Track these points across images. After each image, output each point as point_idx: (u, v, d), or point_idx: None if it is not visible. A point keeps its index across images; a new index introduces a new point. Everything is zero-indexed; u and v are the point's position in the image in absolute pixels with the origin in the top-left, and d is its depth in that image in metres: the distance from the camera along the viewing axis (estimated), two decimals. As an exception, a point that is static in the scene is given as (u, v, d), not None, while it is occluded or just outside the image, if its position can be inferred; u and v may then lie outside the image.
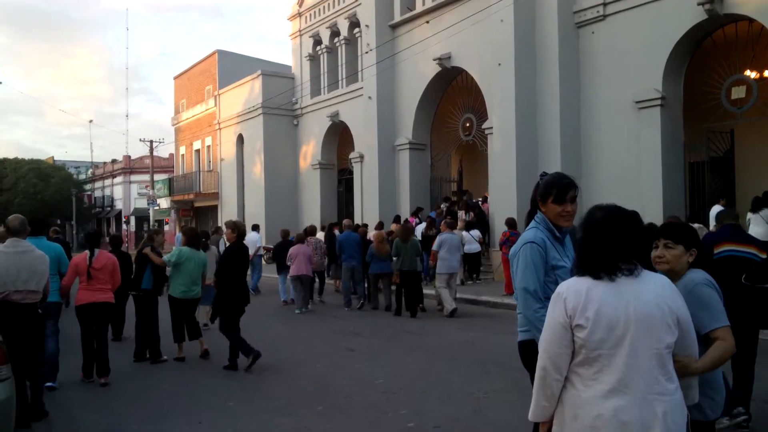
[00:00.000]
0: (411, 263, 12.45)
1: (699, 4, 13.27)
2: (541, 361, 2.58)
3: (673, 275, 3.04)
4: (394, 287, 13.05)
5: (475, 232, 16.63)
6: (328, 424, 5.82)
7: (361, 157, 23.16)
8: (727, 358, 2.87)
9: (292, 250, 13.86)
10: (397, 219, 18.56)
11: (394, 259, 12.72)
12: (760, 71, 13.95)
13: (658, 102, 14.26)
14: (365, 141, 22.74)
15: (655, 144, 14.35)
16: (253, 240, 17.36)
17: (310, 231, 15.21)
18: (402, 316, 12.38)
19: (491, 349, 8.88)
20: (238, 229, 8.45)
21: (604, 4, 15.35)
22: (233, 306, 8.27)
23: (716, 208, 12.32)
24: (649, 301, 2.46)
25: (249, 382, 7.48)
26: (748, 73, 13.98)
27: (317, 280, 15.09)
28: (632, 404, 2.40)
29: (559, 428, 2.57)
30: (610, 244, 2.52)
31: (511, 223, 14.19)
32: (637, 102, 14.64)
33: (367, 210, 22.26)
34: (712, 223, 11.30)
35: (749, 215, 12.05)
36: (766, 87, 13.53)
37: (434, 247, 12.53)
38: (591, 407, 2.44)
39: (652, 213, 12.55)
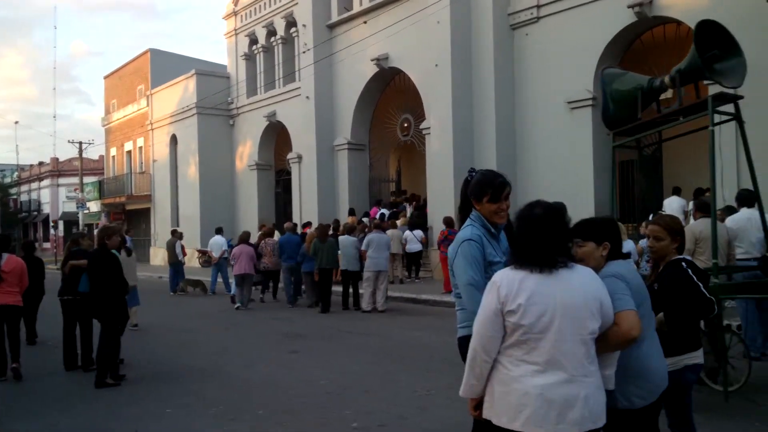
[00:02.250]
0: (329, 261, 13.14)
1: (629, 7, 13.74)
2: (473, 342, 2.74)
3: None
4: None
5: (418, 232, 16.88)
6: (271, 428, 5.73)
7: (299, 157, 22.99)
8: (617, 341, 2.77)
9: (235, 250, 14.59)
10: (351, 212, 19.36)
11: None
12: (687, 73, 14.46)
13: (590, 102, 14.67)
14: (303, 141, 22.58)
15: (587, 143, 14.76)
16: (218, 243, 17.57)
17: (268, 233, 15.90)
18: (341, 314, 12.41)
19: (433, 347, 8.93)
20: (106, 233, 7.83)
21: (538, 7, 15.70)
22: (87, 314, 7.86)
23: (674, 199, 12.76)
24: (576, 291, 2.64)
25: (189, 387, 7.29)
26: (675, 74, 14.48)
27: (271, 280, 15.64)
28: (558, 384, 2.58)
29: (489, 405, 2.74)
30: (548, 239, 2.67)
31: (449, 222, 14.34)
32: (569, 102, 15.01)
33: (305, 211, 22.12)
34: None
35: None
36: (692, 88, 14.02)
37: (363, 246, 13.07)
38: (519, 385, 2.62)
39: (585, 210, 12.88)
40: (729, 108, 7.03)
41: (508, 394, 2.64)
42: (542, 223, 2.71)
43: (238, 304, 14.13)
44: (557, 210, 2.78)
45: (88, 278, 7.82)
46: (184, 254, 18.46)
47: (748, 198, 7.74)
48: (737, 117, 7.07)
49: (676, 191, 13.49)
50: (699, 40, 6.84)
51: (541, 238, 2.68)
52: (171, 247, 17.89)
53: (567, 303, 2.60)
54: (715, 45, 6.81)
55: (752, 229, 7.38)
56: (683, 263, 3.87)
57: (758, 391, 6.12)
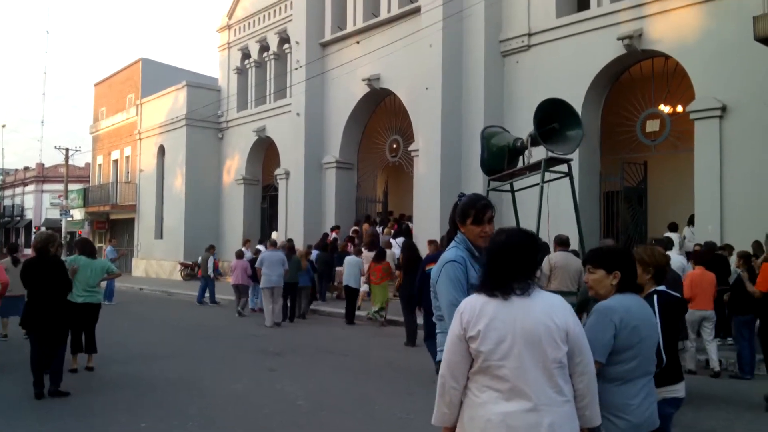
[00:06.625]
0: (291, 276, 14.20)
1: (618, 39, 13.92)
2: (442, 368, 2.77)
3: (601, 299, 3.14)
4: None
5: (401, 239, 17.03)
6: (247, 445, 5.68)
7: (287, 173, 22.98)
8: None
9: (232, 263, 16.23)
10: (367, 219, 20.65)
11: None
12: (674, 106, 14.70)
13: (577, 131, 14.77)
14: (292, 158, 22.58)
15: (573, 172, 14.78)
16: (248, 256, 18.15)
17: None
18: (322, 331, 12.34)
19: (414, 369, 8.90)
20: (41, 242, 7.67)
21: (529, 35, 15.87)
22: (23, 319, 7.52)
23: (671, 236, 12.99)
24: (536, 318, 2.61)
25: (163, 400, 7.21)
26: (662, 107, 14.71)
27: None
28: (520, 412, 2.56)
29: (460, 430, 2.74)
30: (506, 265, 2.69)
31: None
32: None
33: (291, 227, 22.06)
34: (673, 250, 11.96)
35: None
36: (678, 122, 14.26)
37: (257, 264, 13.99)
38: (483, 411, 2.62)
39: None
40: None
41: (474, 419, 2.65)
42: (503, 250, 2.73)
43: (238, 313, 15.52)
44: (520, 236, 2.79)
45: (27, 287, 7.51)
46: (216, 268, 19.21)
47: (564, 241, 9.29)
48: (569, 175, 9.22)
49: (673, 227, 13.69)
50: (544, 114, 8.82)
51: (501, 264, 2.70)
52: (205, 262, 18.67)
53: (527, 330, 2.58)
54: (559, 118, 8.94)
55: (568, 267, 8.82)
56: (655, 296, 3.83)
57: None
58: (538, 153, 9.74)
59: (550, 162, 9.06)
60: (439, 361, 3.48)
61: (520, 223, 9.32)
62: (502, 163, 9.45)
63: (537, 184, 9.36)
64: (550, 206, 9.84)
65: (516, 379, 2.57)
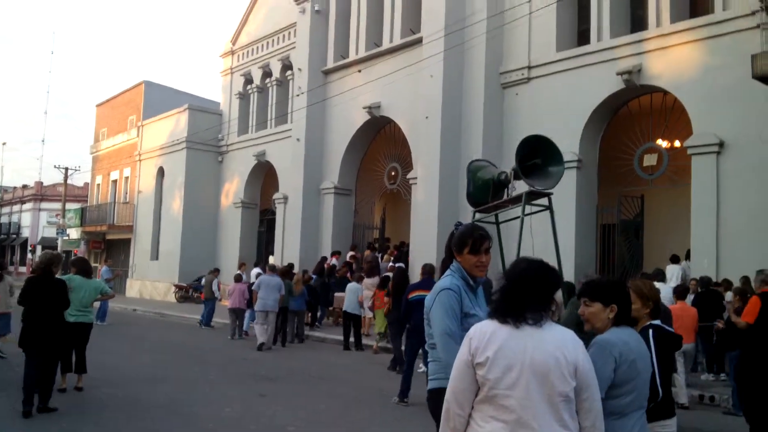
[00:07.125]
0: (285, 301, 14.31)
1: (618, 74, 14.04)
2: (447, 394, 2.71)
3: (598, 332, 3.12)
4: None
5: (401, 265, 17.03)
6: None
7: (285, 198, 23.01)
8: None
9: (230, 287, 16.17)
10: (369, 246, 20.64)
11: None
12: (671, 141, 14.77)
13: (575, 164, 14.79)
14: (290, 182, 22.62)
15: (570, 205, 14.84)
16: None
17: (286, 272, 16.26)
18: (315, 357, 12.26)
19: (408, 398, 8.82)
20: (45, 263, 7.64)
21: (529, 68, 16.00)
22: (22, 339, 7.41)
23: (672, 267, 13.35)
24: (547, 349, 2.57)
25: (153, 424, 7.13)
26: (660, 142, 14.78)
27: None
28: None
29: None
30: (522, 293, 2.65)
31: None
32: (555, 163, 15.16)
33: (287, 251, 22.00)
34: (672, 281, 12.43)
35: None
36: (676, 156, 14.32)
37: (254, 287, 14.32)
38: None
39: (565, 271, 12.91)
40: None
41: None
42: (521, 278, 2.71)
43: (231, 336, 15.53)
44: (540, 268, 2.77)
45: (26, 305, 7.40)
46: (219, 290, 19.29)
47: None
48: (549, 208, 9.53)
49: (675, 259, 13.74)
50: (527, 149, 9.22)
51: (516, 292, 2.67)
52: (209, 284, 18.59)
53: (537, 361, 2.54)
54: (542, 154, 9.28)
55: None
56: (651, 330, 3.77)
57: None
58: (523, 187, 9.91)
59: (531, 195, 9.39)
60: (431, 390, 3.47)
61: (504, 255, 9.88)
62: (487, 196, 9.84)
63: (518, 217, 9.60)
64: (541, 238, 9.93)
65: (522, 410, 2.52)
